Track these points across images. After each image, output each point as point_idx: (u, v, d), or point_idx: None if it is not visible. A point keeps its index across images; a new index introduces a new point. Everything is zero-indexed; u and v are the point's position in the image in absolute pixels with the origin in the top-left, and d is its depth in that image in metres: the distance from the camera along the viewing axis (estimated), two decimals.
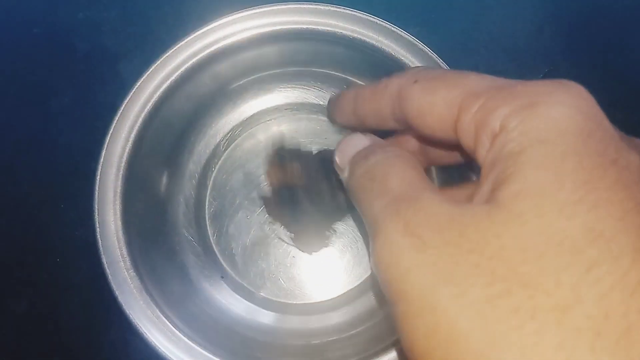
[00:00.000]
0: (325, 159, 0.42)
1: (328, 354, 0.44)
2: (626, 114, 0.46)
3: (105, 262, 0.40)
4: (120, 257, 0.40)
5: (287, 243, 0.47)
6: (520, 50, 0.52)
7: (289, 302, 0.47)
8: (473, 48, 0.52)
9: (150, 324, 0.39)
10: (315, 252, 0.47)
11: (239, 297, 0.46)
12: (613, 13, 0.53)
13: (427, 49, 0.42)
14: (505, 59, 0.52)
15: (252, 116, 0.49)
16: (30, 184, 0.50)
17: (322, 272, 0.47)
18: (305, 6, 0.43)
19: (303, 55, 0.47)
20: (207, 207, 0.49)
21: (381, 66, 0.43)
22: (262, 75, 0.48)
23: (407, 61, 0.42)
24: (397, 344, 0.38)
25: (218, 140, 0.49)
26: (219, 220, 0.48)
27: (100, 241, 0.40)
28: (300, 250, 0.47)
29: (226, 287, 0.47)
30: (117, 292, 0.40)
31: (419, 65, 0.42)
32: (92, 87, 0.52)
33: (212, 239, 0.48)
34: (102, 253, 0.40)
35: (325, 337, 0.45)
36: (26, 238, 0.49)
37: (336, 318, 0.46)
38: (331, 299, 0.47)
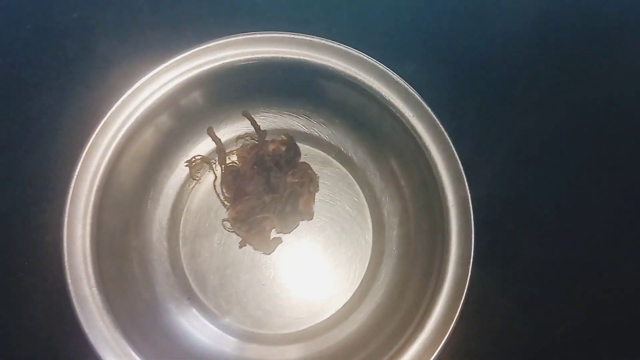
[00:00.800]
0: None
1: None
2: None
3: (68, 279, 0.39)
4: (85, 274, 0.39)
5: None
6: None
7: (254, 330, 0.46)
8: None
9: (107, 346, 0.38)
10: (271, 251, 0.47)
11: (204, 321, 0.46)
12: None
13: (416, 95, 0.41)
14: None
15: (234, 138, 0.49)
16: (3, 184, 0.49)
17: (291, 303, 0.47)
18: (302, 37, 0.42)
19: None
20: (181, 226, 0.48)
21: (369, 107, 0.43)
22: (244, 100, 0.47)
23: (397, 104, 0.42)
24: None
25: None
26: (193, 241, 0.48)
27: (65, 257, 0.39)
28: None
29: (192, 310, 0.46)
30: (77, 310, 0.39)
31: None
32: (78, 90, 0.51)
33: (183, 259, 0.47)
34: (66, 269, 0.39)
35: None
36: None
37: (296, 352, 0.45)
38: (294, 332, 0.46)
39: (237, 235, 0.47)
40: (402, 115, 0.42)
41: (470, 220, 0.40)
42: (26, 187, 0.49)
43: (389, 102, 0.42)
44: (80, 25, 0.53)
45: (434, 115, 0.41)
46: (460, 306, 0.40)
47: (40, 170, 0.49)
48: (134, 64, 0.51)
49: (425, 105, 0.41)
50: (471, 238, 0.40)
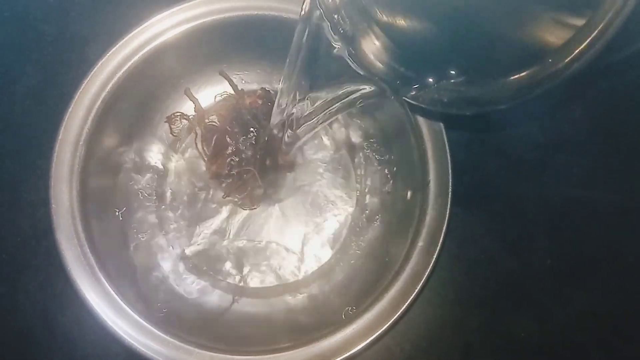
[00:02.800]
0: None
1: None
2: None
3: (58, 239, 0.40)
4: (74, 233, 0.40)
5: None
6: None
7: (243, 285, 0.47)
8: None
9: (101, 300, 0.39)
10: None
11: (195, 276, 0.47)
12: None
13: None
14: None
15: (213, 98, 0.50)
16: None
17: (281, 256, 0.48)
18: None
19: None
20: (167, 184, 0.49)
21: None
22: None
23: None
24: None
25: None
26: (177, 198, 0.49)
27: (54, 217, 0.40)
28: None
29: (184, 266, 0.47)
30: (69, 268, 0.40)
31: None
32: (59, 70, 0.52)
33: (174, 216, 0.48)
34: (55, 229, 0.40)
35: None
36: None
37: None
38: (286, 284, 0.47)
39: (218, 189, 0.48)
40: None
41: (446, 150, 0.41)
42: (16, 166, 0.50)
43: None
44: (56, 9, 0.54)
45: None
46: (440, 243, 0.41)
47: (28, 148, 0.50)
48: (111, 40, 0.52)
49: None
50: (448, 170, 0.41)
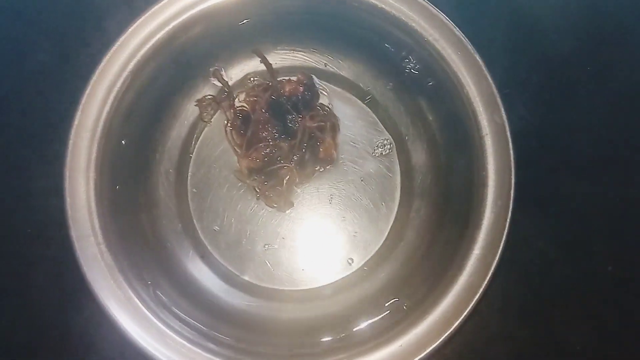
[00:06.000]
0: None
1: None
2: None
3: (73, 236, 0.36)
4: (90, 230, 0.36)
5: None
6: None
7: (276, 287, 0.43)
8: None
9: (120, 305, 0.35)
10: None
11: (219, 279, 0.43)
12: None
13: (442, 15, 0.38)
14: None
15: (243, 78, 0.45)
16: (3, 147, 0.46)
17: (312, 257, 0.44)
18: None
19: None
20: (189, 179, 0.44)
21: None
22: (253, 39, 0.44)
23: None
24: None
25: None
26: (202, 194, 0.44)
27: (69, 212, 0.36)
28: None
29: (206, 267, 0.43)
30: (85, 269, 0.36)
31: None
32: (74, 45, 0.48)
33: (193, 214, 0.44)
34: (70, 226, 0.36)
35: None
36: None
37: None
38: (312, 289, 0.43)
39: (250, 187, 0.44)
40: (426, 40, 0.38)
41: (509, 148, 0.37)
42: (27, 150, 0.46)
43: (410, 27, 0.38)
44: None
45: (462, 36, 0.37)
46: (500, 250, 0.37)
47: (40, 131, 0.46)
48: (130, 12, 0.47)
49: (452, 26, 0.37)
50: (511, 168, 0.37)
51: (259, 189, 0.43)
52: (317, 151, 0.43)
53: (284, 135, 0.42)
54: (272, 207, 0.43)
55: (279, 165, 0.42)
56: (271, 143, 0.42)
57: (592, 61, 0.48)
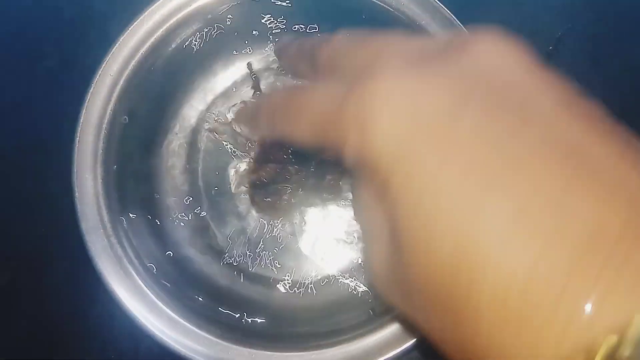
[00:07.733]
0: None
1: None
2: None
3: (83, 229, 0.37)
4: (100, 223, 0.38)
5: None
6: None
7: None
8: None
9: (130, 294, 0.37)
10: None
11: (227, 271, 0.43)
12: None
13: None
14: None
15: (247, 73, 0.46)
16: (15, 152, 0.48)
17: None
18: None
19: None
20: (199, 174, 0.45)
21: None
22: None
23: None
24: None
25: (210, 99, 0.45)
26: (211, 190, 0.45)
27: (78, 206, 0.38)
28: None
29: (215, 261, 0.44)
30: (96, 260, 0.37)
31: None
32: (79, 49, 0.49)
33: (204, 208, 0.45)
34: (80, 219, 0.37)
35: None
36: (10, 208, 0.47)
37: None
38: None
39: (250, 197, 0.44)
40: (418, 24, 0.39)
41: None
42: (39, 152, 0.47)
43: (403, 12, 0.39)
44: None
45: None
46: None
47: (50, 134, 0.47)
48: (132, 17, 0.49)
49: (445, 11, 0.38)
50: None
51: (257, 201, 0.44)
52: (322, 180, 0.43)
53: (295, 160, 0.42)
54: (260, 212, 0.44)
55: (282, 186, 0.43)
56: (280, 164, 0.42)
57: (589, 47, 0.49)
